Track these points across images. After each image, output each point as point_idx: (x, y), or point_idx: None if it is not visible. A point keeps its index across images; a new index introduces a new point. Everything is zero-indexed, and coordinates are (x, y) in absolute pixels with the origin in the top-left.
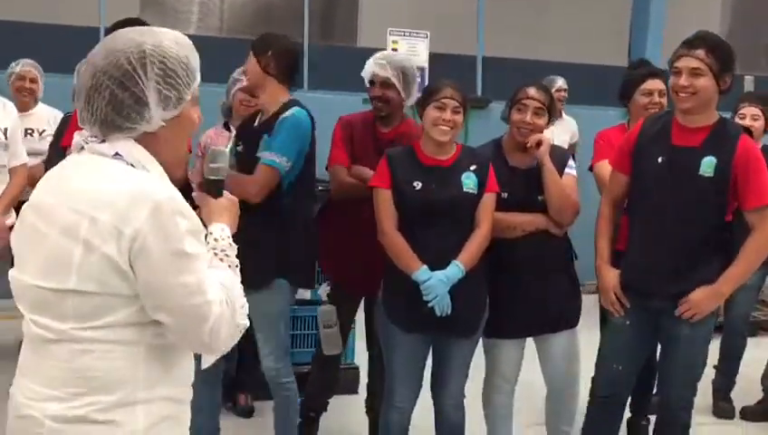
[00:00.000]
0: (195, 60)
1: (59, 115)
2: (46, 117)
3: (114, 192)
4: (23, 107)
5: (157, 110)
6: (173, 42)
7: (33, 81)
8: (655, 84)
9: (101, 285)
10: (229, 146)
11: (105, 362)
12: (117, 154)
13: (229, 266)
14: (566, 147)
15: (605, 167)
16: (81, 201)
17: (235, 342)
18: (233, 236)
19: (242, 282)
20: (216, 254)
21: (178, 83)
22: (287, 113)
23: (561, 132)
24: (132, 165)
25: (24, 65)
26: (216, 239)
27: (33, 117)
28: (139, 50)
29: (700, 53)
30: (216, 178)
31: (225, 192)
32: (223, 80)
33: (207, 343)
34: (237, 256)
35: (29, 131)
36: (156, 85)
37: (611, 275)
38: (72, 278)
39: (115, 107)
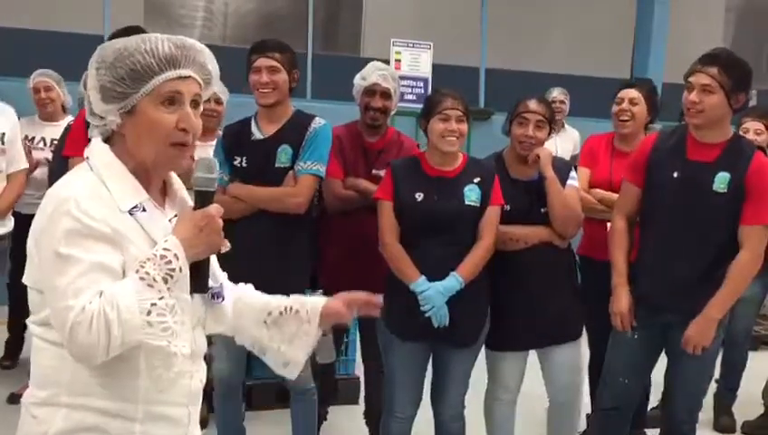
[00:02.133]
0: (148, 56)
1: None
2: None
3: (47, 193)
4: (47, 117)
5: (98, 102)
6: (137, 38)
7: (47, 89)
8: (625, 93)
9: (33, 280)
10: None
11: (41, 358)
12: (88, 157)
13: (141, 279)
14: (568, 157)
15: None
16: None
17: (115, 352)
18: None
19: (275, 293)
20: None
21: (107, 74)
22: (319, 124)
23: (564, 142)
24: (92, 168)
25: (36, 77)
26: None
27: (61, 128)
28: (102, 44)
29: (713, 70)
30: (204, 189)
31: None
32: (227, 89)
33: (71, 350)
34: (269, 269)
35: (55, 142)
36: (92, 77)
37: (625, 300)
38: (27, 273)
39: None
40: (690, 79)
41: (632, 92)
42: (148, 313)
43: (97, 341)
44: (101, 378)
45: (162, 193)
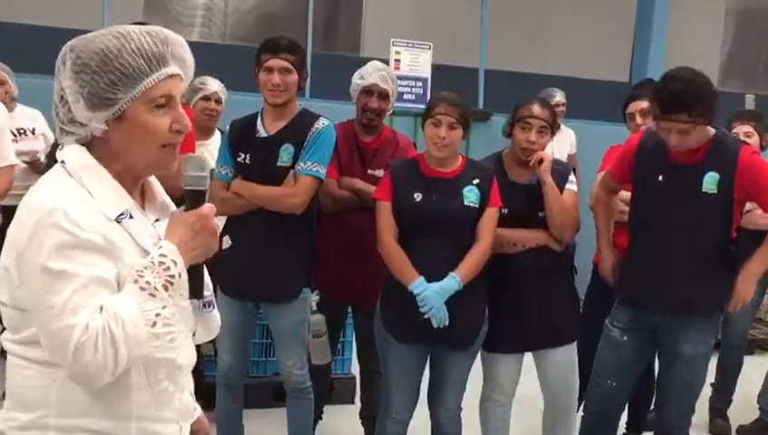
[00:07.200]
0: (137, 57)
1: (37, 113)
2: (27, 114)
3: (24, 202)
4: None
5: (80, 109)
6: (113, 35)
7: (1, 83)
8: (634, 107)
9: (11, 297)
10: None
11: (23, 378)
12: (62, 162)
13: (142, 289)
14: (565, 157)
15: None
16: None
17: (120, 370)
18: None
19: (273, 295)
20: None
21: (95, 79)
22: (322, 124)
23: (561, 143)
24: (70, 173)
25: None
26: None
27: (16, 118)
28: (70, 43)
29: (682, 117)
30: (196, 188)
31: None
32: (226, 87)
33: (76, 373)
34: (267, 267)
35: (21, 131)
36: (72, 82)
37: (611, 261)
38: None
39: (55, 108)
40: (664, 126)
41: (641, 104)
42: (154, 324)
43: (104, 360)
44: (93, 396)
45: (141, 196)
